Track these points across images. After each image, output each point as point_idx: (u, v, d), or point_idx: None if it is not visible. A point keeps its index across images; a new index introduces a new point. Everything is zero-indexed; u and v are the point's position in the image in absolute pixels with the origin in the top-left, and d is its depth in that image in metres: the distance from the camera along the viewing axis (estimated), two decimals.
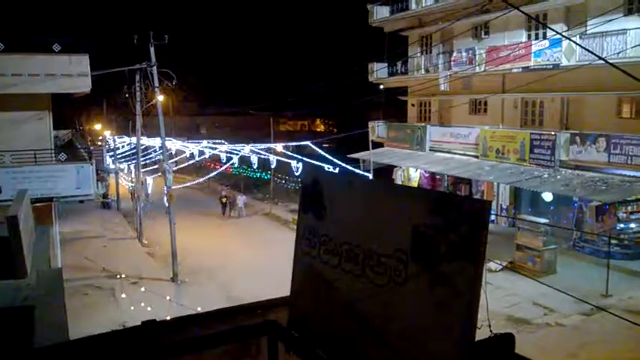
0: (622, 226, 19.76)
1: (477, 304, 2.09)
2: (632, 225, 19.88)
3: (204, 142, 37.03)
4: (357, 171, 28.36)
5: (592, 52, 10.52)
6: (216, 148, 34.34)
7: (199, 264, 21.38)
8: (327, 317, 2.87)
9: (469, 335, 2.05)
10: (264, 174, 36.89)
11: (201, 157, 35.27)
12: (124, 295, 17.62)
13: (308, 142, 29.80)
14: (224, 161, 33.57)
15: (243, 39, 77.95)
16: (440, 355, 2.14)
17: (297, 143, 31.20)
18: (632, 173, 18.38)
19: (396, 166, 29.88)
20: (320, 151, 28.38)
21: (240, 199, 32.03)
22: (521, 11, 5.06)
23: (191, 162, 36.46)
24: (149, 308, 15.99)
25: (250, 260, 21.78)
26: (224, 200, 31.66)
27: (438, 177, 28.14)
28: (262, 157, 30.26)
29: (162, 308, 15.84)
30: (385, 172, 30.51)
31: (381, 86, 33.11)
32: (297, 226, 3.25)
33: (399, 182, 28.80)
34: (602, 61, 18.74)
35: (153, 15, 64.47)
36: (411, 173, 29.64)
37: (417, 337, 2.27)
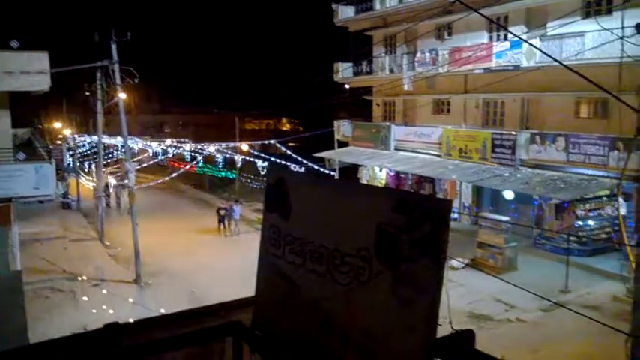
0: (580, 223, 20.32)
1: (439, 301, 2.12)
2: (590, 222, 20.46)
3: (168, 141, 36.55)
4: (323, 170, 28.43)
5: (546, 54, 10.81)
6: (180, 147, 33.93)
7: (164, 265, 21.08)
8: (291, 317, 2.87)
9: (431, 332, 2.09)
10: (229, 173, 36.61)
11: (165, 156, 34.78)
12: (85, 298, 17.26)
13: (273, 141, 29.73)
14: (188, 160, 33.18)
15: (208, 37, 77.14)
16: (402, 353, 2.17)
17: (263, 142, 31.08)
18: (589, 172, 18.89)
19: (361, 166, 30.07)
20: (286, 150, 28.37)
21: (237, 211, 26.77)
22: (479, 14, 5.15)
23: (154, 161, 35.92)
24: (111, 311, 15.71)
25: (216, 260, 21.60)
26: (222, 213, 26.60)
27: (402, 176, 28.44)
28: (227, 156, 30.03)
29: (125, 310, 15.58)
30: (351, 171, 30.68)
31: (347, 86, 33.28)
32: (261, 225, 3.24)
33: (365, 181, 29.00)
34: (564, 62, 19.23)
35: (116, 12, 63.29)
36: (377, 172, 29.88)
37: (380, 335, 2.30)
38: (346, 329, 2.49)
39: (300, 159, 27.38)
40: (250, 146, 30.44)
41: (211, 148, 29.39)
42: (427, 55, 25.05)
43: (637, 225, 4.66)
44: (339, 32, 32.29)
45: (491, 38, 23.65)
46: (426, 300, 2.14)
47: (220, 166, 31.98)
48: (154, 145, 36.40)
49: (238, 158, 29.57)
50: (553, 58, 7.53)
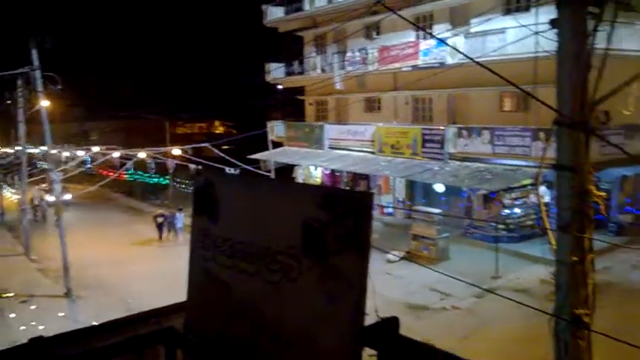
0: (507, 211, 21.25)
1: (365, 292, 2.18)
2: (517, 210, 21.44)
3: (96, 148, 35.26)
4: (258, 172, 28.29)
5: (460, 52, 11.21)
6: (108, 154, 32.78)
7: (97, 277, 20.33)
8: (224, 319, 2.87)
9: (358, 323, 2.15)
10: (161, 179, 35.70)
11: (92, 164, 33.53)
12: (12, 315, 16.44)
13: (206, 144, 29.26)
14: (118, 167, 32.13)
15: (135, 39, 75.02)
16: (331, 346, 2.22)
17: (195, 145, 30.47)
18: (514, 162, 19.71)
19: (296, 165, 30.14)
20: (220, 153, 28.01)
21: (179, 219, 25.64)
22: (399, 15, 5.30)
23: (80, 170, 34.55)
24: (41, 326, 15.02)
25: (153, 269, 21.05)
26: (160, 220, 25.68)
27: (337, 174, 28.73)
28: (159, 161, 29.30)
29: (56, 325, 14.93)
30: (286, 171, 30.69)
31: (280, 86, 33.27)
32: (191, 230, 3.22)
33: (301, 181, 29.09)
34: (484, 59, 19.95)
35: (38, 17, 60.37)
36: (312, 171, 30.04)
37: (310, 331, 2.34)
38: (278, 327, 2.51)
39: (235, 161, 27.09)
40: (183, 150, 29.85)
41: (142, 154, 28.54)
42: (357, 54, 25.43)
43: (559, 211, 4.93)
44: (270, 33, 32.26)
45: (418, 37, 24.26)
46: (353, 292, 2.20)
47: (152, 172, 31.15)
48: (81, 153, 35.01)
49: (171, 163, 28.91)
50: (465, 55, 7.85)
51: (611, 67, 5.11)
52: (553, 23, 4.92)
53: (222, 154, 28.00)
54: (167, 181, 35.59)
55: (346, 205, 2.27)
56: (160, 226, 25.60)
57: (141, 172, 36.10)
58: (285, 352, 2.47)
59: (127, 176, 35.57)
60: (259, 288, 2.63)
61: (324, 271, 2.30)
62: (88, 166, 33.91)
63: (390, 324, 2.08)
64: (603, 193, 5.36)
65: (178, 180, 35.43)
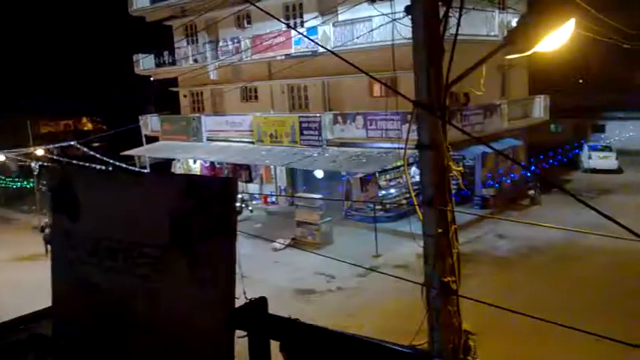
0: (384, 192, 22.29)
1: (235, 276, 2.21)
2: (392, 190, 22.56)
3: None
4: (133, 169, 27.14)
5: (315, 42, 11.47)
6: None
7: None
8: (95, 319, 2.76)
9: (229, 307, 2.18)
10: (25, 183, 33.01)
11: None
12: None
13: (73, 143, 27.50)
14: None
15: None
16: (204, 332, 2.23)
17: (59, 145, 28.50)
18: (386, 145, 20.63)
19: (174, 160, 29.32)
20: (89, 151, 26.46)
21: None
22: (258, 7, 5.35)
23: None
24: None
25: (21, 279, 19.49)
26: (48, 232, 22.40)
27: (218, 166, 28.36)
28: (21, 163, 27.07)
29: None
30: (164, 166, 29.75)
31: (151, 78, 32.01)
32: (51, 231, 3.05)
33: None
34: (355, 46, 20.59)
35: None
36: (191, 165, 29.39)
37: (183, 320, 2.33)
38: (150, 320, 2.47)
39: (107, 159, 25.75)
40: (48, 151, 27.79)
41: (0, 156, 26.18)
42: (229, 43, 25.15)
43: (423, 187, 5.25)
44: (137, 23, 30.80)
45: (289, 26, 24.46)
46: (222, 277, 2.22)
47: (14, 176, 28.68)
48: None
49: (35, 165, 26.82)
50: (321, 45, 8.10)
51: (469, 51, 5.52)
52: (408, 10, 5.20)
53: (93, 152, 26.48)
54: (32, 184, 32.95)
55: (210, 192, 2.27)
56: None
57: (2, 176, 33.15)
58: (159, 344, 2.44)
59: None
60: (128, 283, 2.56)
61: (192, 259, 2.30)
62: None
63: (259, 304, 2.13)
64: (461, 169, 5.79)
65: (45, 183, 32.93)
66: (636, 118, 34.28)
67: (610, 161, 30.13)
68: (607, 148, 31.04)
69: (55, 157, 26.73)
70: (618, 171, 30.06)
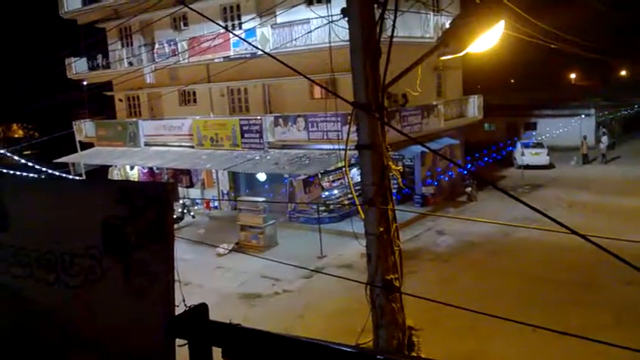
0: (327, 193, 22.40)
1: (173, 283, 2.16)
2: (335, 191, 22.70)
3: None
4: (68, 176, 26.14)
5: (253, 45, 11.44)
6: None
7: None
8: (28, 333, 2.62)
9: (167, 315, 2.12)
10: None
11: None
12: None
13: (2, 151, 26.20)
14: None
15: None
16: (142, 343, 2.16)
17: None
18: (328, 147, 20.68)
19: (111, 166, 28.43)
20: (21, 159, 25.24)
21: None
22: (190, 8, 5.26)
23: None
24: None
25: None
26: None
27: (157, 171, 27.72)
28: None
29: None
30: (101, 173, 28.80)
31: (85, 82, 30.90)
32: None
33: None
34: (294, 48, 20.60)
35: None
36: (128, 171, 28.59)
37: (120, 330, 2.25)
38: (86, 333, 2.37)
39: (39, 167, 24.65)
40: None
41: None
42: (166, 45, 24.64)
43: (363, 186, 5.30)
44: (69, 25, 29.68)
45: (226, 27, 24.20)
46: (160, 285, 2.16)
47: None
48: None
49: None
50: (257, 47, 8.08)
51: (405, 53, 5.61)
52: (344, 12, 5.25)
53: (24, 160, 25.29)
54: None
55: (145, 198, 2.20)
56: None
57: None
58: (96, 357, 2.34)
59: None
60: (61, 295, 2.45)
61: (127, 268, 2.22)
62: None
63: (199, 311, 2.08)
64: (401, 168, 5.89)
65: None
66: (565, 115, 36.01)
67: (542, 157, 31.50)
68: (538, 145, 32.40)
69: None
70: (550, 166, 31.46)
